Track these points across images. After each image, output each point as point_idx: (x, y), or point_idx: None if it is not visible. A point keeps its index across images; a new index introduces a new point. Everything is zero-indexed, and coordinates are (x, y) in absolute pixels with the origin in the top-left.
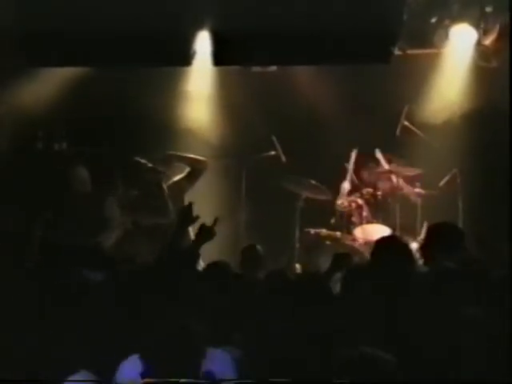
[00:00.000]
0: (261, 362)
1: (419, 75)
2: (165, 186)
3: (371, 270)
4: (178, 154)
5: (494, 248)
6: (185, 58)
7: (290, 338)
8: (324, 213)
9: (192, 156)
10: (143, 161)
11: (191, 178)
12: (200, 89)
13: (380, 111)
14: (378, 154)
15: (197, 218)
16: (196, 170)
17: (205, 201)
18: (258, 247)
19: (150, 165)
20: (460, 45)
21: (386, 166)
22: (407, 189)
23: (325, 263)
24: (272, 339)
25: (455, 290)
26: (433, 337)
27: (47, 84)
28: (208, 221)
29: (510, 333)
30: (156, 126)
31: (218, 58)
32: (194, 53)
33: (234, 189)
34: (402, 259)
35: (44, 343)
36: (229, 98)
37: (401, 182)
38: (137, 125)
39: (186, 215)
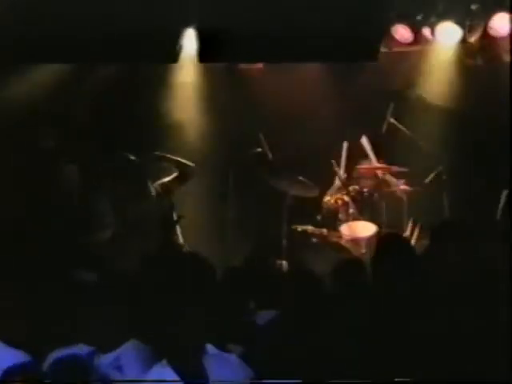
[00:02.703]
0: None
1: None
2: (152, 185)
3: (374, 267)
4: (167, 155)
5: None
6: (171, 54)
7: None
8: (311, 210)
9: (181, 160)
10: (131, 157)
11: (179, 181)
12: (186, 85)
13: (366, 109)
14: (370, 152)
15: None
16: (184, 174)
17: (191, 199)
18: None
19: (137, 161)
20: (445, 42)
21: (375, 162)
22: (394, 185)
23: (311, 261)
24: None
25: (456, 288)
26: (435, 335)
27: (35, 80)
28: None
29: (509, 333)
30: (143, 122)
31: (204, 55)
32: (181, 49)
33: (220, 186)
34: (405, 256)
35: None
36: (215, 95)
37: (388, 177)
38: (124, 121)
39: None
